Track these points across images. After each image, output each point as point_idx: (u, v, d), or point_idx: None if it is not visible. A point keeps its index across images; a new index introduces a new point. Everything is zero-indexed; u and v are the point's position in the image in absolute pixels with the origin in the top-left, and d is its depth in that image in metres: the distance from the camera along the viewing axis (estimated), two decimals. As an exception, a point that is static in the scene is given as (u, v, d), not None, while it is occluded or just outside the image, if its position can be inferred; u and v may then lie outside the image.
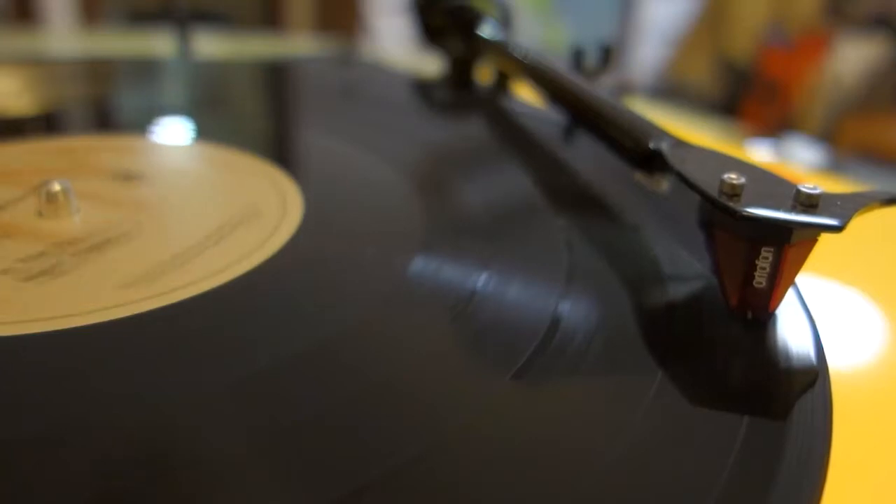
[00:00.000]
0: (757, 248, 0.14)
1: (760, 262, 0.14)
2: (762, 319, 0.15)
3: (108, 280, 0.15)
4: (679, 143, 0.18)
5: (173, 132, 0.26)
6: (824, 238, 0.14)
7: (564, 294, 0.16)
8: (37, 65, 0.36)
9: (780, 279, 0.14)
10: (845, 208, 0.13)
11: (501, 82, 0.35)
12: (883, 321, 0.21)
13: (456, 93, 0.35)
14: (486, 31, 0.34)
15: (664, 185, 0.20)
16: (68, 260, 0.16)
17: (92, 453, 0.11)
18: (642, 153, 0.19)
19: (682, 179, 0.15)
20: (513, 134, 0.29)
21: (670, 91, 1.57)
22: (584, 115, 0.24)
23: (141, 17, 1.28)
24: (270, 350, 0.13)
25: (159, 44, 0.65)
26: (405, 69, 0.43)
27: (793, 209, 0.13)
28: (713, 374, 0.14)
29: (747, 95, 1.42)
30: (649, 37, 1.76)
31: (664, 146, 0.18)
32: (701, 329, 0.15)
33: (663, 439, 0.12)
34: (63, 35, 1.02)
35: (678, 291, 0.16)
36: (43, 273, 0.16)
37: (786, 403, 0.13)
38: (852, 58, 1.26)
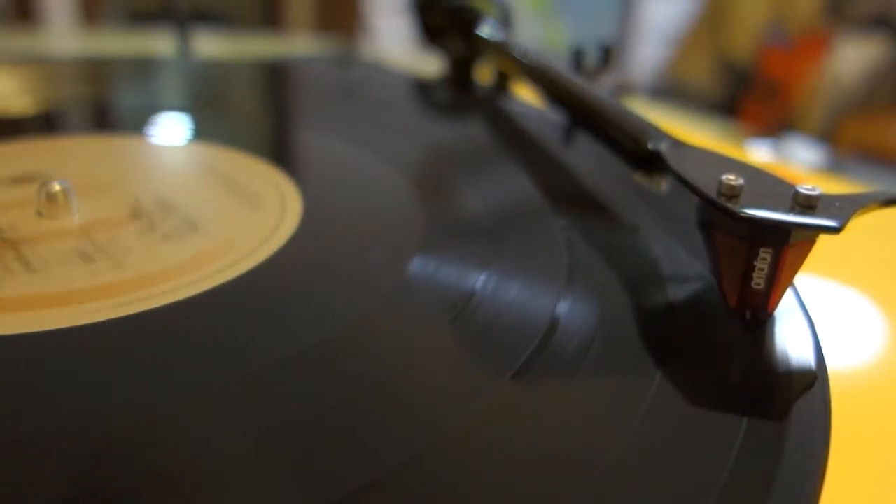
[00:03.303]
0: (755, 249, 0.14)
1: (759, 263, 0.14)
2: (761, 320, 0.15)
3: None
4: (678, 144, 0.18)
5: (173, 132, 0.26)
6: (823, 238, 0.14)
7: (564, 294, 0.16)
8: (37, 65, 0.36)
9: (778, 280, 0.14)
10: (844, 209, 0.14)
11: (501, 82, 0.35)
12: (882, 321, 0.21)
13: (456, 93, 0.35)
14: (486, 31, 0.34)
15: (663, 185, 0.20)
16: (179, 223, 0.18)
17: (90, 453, 0.11)
18: (641, 153, 0.19)
19: (681, 180, 0.15)
20: (513, 134, 0.29)
21: (670, 91, 1.57)
22: (584, 115, 0.24)
23: (141, 17, 1.28)
24: (270, 350, 0.13)
25: (159, 44, 0.65)
26: (405, 69, 0.43)
27: (791, 210, 0.14)
28: (713, 374, 0.14)
29: (747, 95, 1.42)
30: (649, 37, 1.76)
31: (663, 147, 0.18)
32: (701, 329, 0.15)
33: (663, 439, 0.12)
34: (63, 35, 1.02)
35: (678, 291, 0.16)
36: (182, 229, 0.18)
37: (785, 404, 0.13)
38: (852, 58, 1.25)
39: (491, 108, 0.32)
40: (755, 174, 0.15)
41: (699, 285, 0.16)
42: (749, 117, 1.37)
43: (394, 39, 1.30)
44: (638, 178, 0.20)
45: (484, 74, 0.36)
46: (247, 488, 0.10)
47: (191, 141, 0.26)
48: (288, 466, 0.11)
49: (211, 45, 0.66)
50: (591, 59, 0.31)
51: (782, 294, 0.15)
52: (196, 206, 0.19)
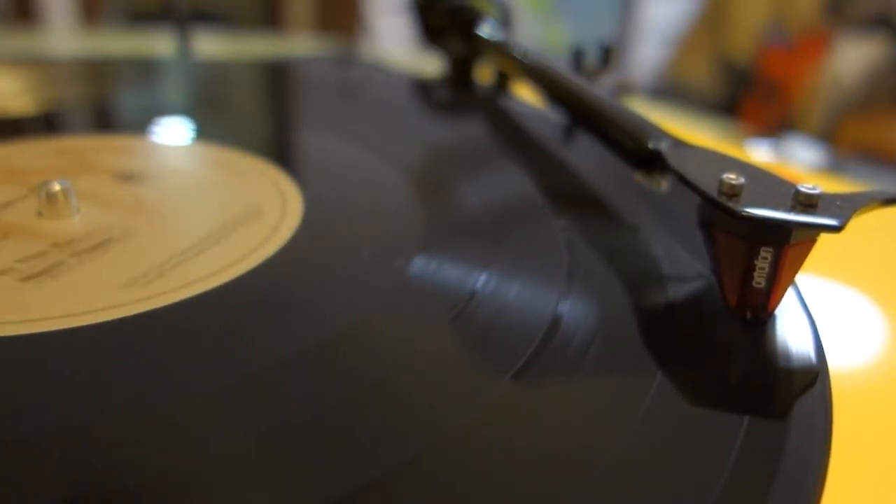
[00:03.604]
0: (756, 249, 0.14)
1: (759, 263, 0.14)
2: (761, 319, 0.15)
3: (107, 280, 0.15)
4: (678, 144, 0.18)
5: (173, 132, 0.26)
6: (824, 238, 0.14)
7: (564, 294, 0.16)
8: (37, 65, 0.36)
9: (779, 279, 0.14)
10: (844, 208, 0.14)
11: (501, 82, 0.35)
12: (883, 321, 0.21)
13: (456, 93, 0.35)
14: (486, 31, 0.34)
15: (664, 185, 0.20)
16: (68, 260, 0.16)
17: (90, 454, 0.11)
18: (642, 153, 0.19)
19: (682, 180, 0.15)
20: (513, 134, 0.29)
21: (670, 91, 1.57)
22: (584, 115, 0.24)
23: (141, 17, 1.28)
24: (270, 350, 0.13)
25: (159, 44, 0.65)
26: (405, 69, 0.43)
27: (792, 209, 0.13)
28: (713, 373, 0.14)
29: (747, 95, 1.42)
30: (649, 37, 1.76)
31: (664, 146, 0.18)
32: (701, 329, 0.15)
33: (663, 439, 0.12)
34: (63, 35, 1.02)
35: (678, 291, 0.16)
36: (43, 273, 0.16)
37: (786, 403, 0.13)
38: (852, 58, 1.25)
39: (491, 108, 0.32)
40: (756, 173, 0.15)
41: (699, 285, 0.16)
42: (749, 117, 1.37)
43: (394, 39, 1.30)
44: (638, 177, 0.20)
45: (484, 74, 0.36)
46: (247, 488, 0.10)
47: (191, 141, 0.26)
48: (288, 466, 0.11)
49: (211, 45, 0.66)
50: (591, 59, 0.31)
51: (783, 293, 0.15)
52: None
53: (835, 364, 0.15)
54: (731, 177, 0.14)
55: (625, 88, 0.36)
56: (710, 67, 1.54)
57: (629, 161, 0.20)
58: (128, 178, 0.21)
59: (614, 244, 0.19)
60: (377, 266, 0.17)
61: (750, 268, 0.14)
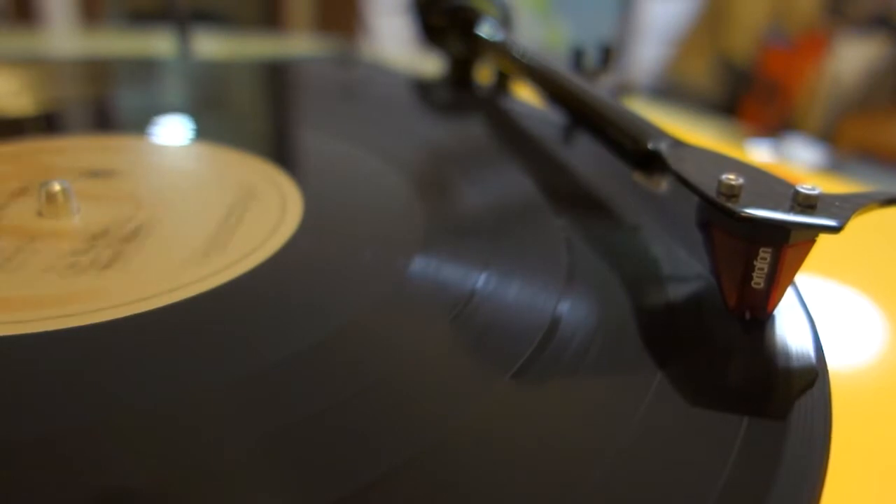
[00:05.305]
0: (755, 249, 0.14)
1: (758, 263, 0.14)
2: (761, 320, 0.15)
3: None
4: (677, 144, 0.18)
5: (173, 132, 0.26)
6: (824, 238, 0.14)
7: (564, 294, 0.16)
8: (37, 65, 0.36)
9: (778, 280, 0.14)
10: (843, 209, 0.14)
11: (501, 82, 0.35)
12: (883, 321, 0.21)
13: (456, 93, 0.36)
14: (486, 31, 0.34)
15: (663, 185, 0.20)
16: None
17: (89, 454, 0.11)
18: (641, 153, 0.19)
19: (681, 180, 0.15)
20: (513, 134, 0.29)
21: (670, 91, 1.57)
22: (584, 115, 0.24)
23: (141, 17, 1.28)
24: (270, 350, 0.13)
25: (159, 44, 0.65)
26: (405, 69, 0.43)
27: (791, 210, 0.14)
28: (713, 374, 0.14)
29: (747, 95, 1.42)
30: (649, 37, 1.76)
31: (663, 146, 0.18)
32: (701, 329, 0.15)
33: (663, 439, 0.12)
34: (63, 35, 1.02)
35: (678, 291, 0.16)
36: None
37: (785, 403, 0.13)
38: (852, 58, 1.25)
39: (491, 108, 0.32)
40: (755, 174, 0.15)
41: (699, 285, 0.16)
42: (749, 117, 1.37)
43: (394, 39, 1.30)
44: (637, 177, 0.20)
45: (484, 74, 0.36)
46: (247, 488, 0.10)
47: (191, 141, 0.26)
48: (288, 466, 0.11)
49: (211, 45, 0.66)
50: (591, 59, 0.31)
51: (782, 294, 0.15)
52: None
53: (834, 364, 0.15)
54: (729, 177, 0.14)
55: (625, 88, 0.36)
56: (709, 67, 1.54)
57: (629, 161, 0.20)
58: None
59: (614, 244, 0.19)
60: (377, 266, 0.17)
61: (749, 268, 0.14)
